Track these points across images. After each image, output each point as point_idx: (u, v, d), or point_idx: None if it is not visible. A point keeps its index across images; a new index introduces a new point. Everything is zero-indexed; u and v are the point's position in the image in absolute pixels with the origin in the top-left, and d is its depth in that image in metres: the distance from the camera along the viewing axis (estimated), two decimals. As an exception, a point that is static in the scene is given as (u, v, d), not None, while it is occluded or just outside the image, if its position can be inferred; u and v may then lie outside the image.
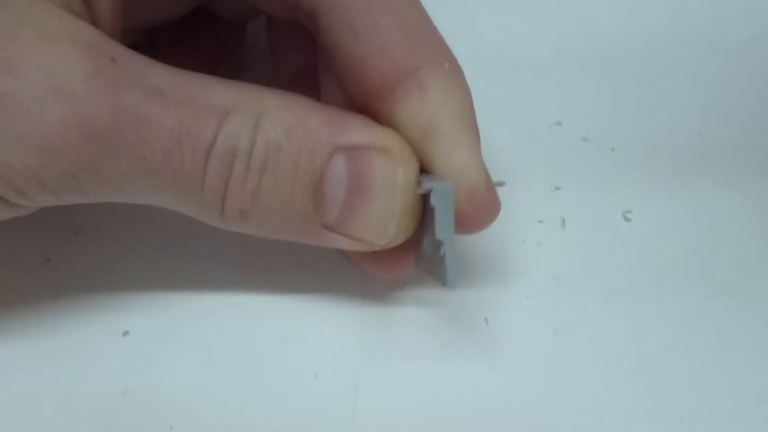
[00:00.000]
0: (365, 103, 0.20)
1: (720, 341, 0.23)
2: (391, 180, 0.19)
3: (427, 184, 0.19)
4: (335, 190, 0.19)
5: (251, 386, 0.22)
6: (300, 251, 0.25)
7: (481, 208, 0.20)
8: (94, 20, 0.19)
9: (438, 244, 0.19)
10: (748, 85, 0.29)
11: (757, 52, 0.30)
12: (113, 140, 0.17)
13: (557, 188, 0.26)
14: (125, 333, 0.23)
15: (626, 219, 0.25)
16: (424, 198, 0.19)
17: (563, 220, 0.25)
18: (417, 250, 0.21)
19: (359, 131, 0.19)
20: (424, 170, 0.20)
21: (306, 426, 0.21)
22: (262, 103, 0.19)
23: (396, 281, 0.23)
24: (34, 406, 0.21)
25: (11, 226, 0.25)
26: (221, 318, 0.23)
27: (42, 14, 0.17)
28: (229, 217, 0.19)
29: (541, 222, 0.25)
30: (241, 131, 0.18)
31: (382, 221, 0.19)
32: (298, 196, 0.19)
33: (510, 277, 0.24)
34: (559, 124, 0.28)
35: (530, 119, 0.28)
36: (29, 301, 0.23)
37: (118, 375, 0.22)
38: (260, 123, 0.18)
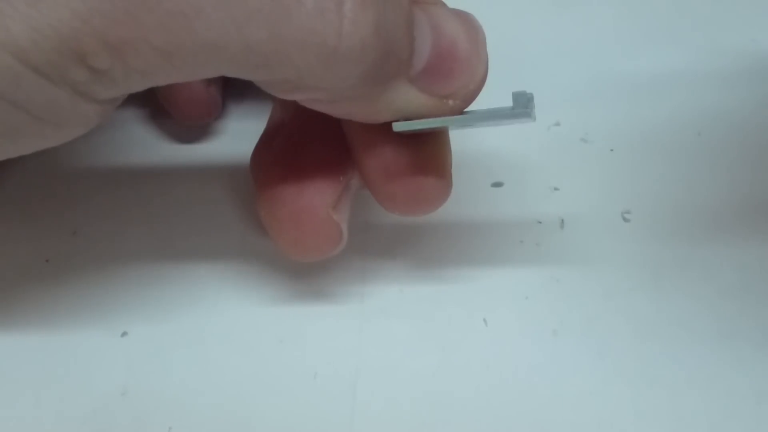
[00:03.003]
0: None
1: (719, 341, 0.23)
2: (469, 24, 0.18)
3: None
4: (422, 35, 0.18)
5: (250, 387, 0.22)
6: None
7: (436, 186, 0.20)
8: None
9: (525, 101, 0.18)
10: (747, 85, 0.29)
11: (757, 53, 0.30)
12: None
13: (556, 189, 0.26)
14: (124, 333, 0.23)
15: (625, 219, 0.25)
16: None
17: (562, 221, 0.25)
18: None
19: None
20: None
21: (305, 426, 0.21)
22: None
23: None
24: (32, 407, 0.21)
25: (10, 226, 0.25)
26: (220, 318, 0.23)
27: None
28: (345, 50, 0.16)
29: (540, 222, 0.25)
30: None
31: (473, 63, 0.18)
32: (402, 35, 0.17)
33: (509, 277, 0.24)
34: (557, 124, 0.28)
35: (529, 119, 0.28)
36: (28, 301, 0.23)
37: (117, 375, 0.22)
38: None
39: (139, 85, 0.16)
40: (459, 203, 0.25)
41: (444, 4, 0.19)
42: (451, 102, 0.19)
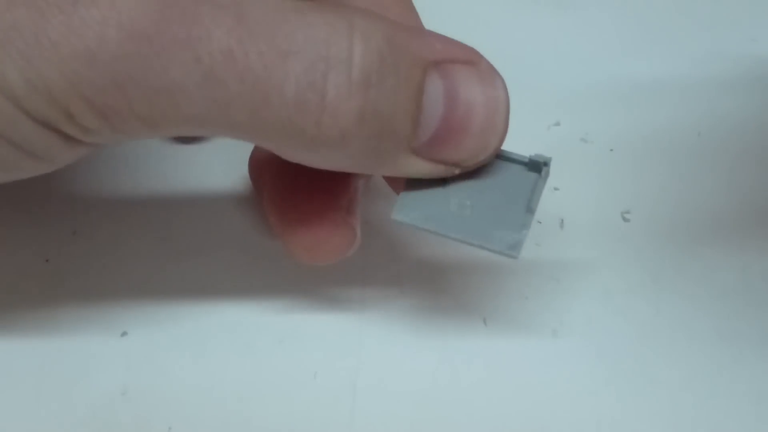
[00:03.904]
0: None
1: (719, 342, 0.23)
2: (492, 92, 0.17)
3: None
4: (433, 109, 0.17)
5: (250, 387, 0.22)
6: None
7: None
8: None
9: (511, 206, 0.18)
10: (747, 86, 0.29)
11: (757, 53, 0.30)
12: (160, 39, 0.15)
13: (556, 189, 0.26)
14: (124, 333, 0.23)
15: (625, 219, 0.25)
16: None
17: (562, 221, 0.25)
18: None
19: (445, 44, 0.17)
20: None
21: (305, 427, 0.21)
22: (344, 6, 0.16)
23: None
24: (32, 407, 0.21)
25: (10, 226, 0.25)
26: (220, 318, 0.23)
27: None
28: (325, 139, 0.16)
29: (540, 222, 0.25)
30: (334, 33, 0.15)
31: (485, 135, 0.17)
32: (401, 115, 0.16)
33: (508, 277, 0.24)
34: (557, 124, 0.28)
35: (529, 119, 0.27)
36: (28, 301, 0.23)
37: (117, 375, 0.22)
38: (354, 26, 0.16)
39: (127, 140, 0.17)
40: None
41: (476, 65, 0.18)
42: (458, 170, 0.18)
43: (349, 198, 0.21)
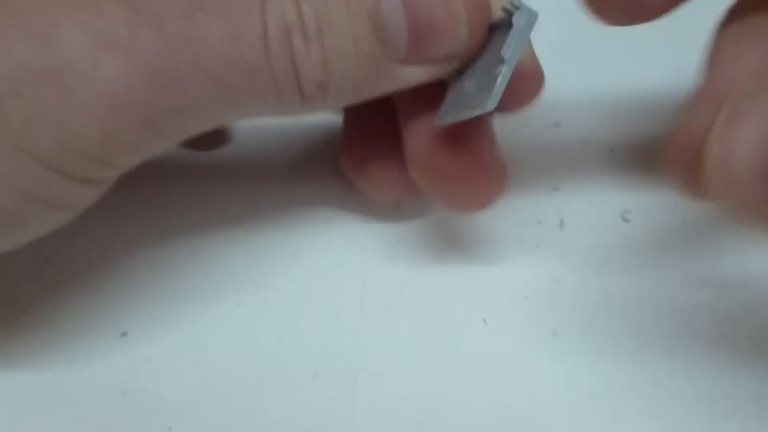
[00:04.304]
0: None
1: (719, 341, 0.23)
2: None
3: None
4: (395, 20, 0.18)
5: (250, 387, 0.22)
6: (299, 251, 0.25)
7: (528, 76, 0.20)
8: None
9: (496, 64, 0.18)
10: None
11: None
12: (175, 70, 0.17)
13: (556, 189, 0.26)
14: (124, 334, 0.23)
15: (625, 220, 0.25)
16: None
17: (562, 221, 0.25)
18: (447, 98, 0.20)
19: None
20: None
21: (305, 426, 0.21)
22: None
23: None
24: (32, 407, 0.21)
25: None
26: (220, 319, 0.23)
27: None
28: (310, 96, 0.18)
29: (540, 223, 0.25)
30: (283, 4, 0.17)
31: (452, 28, 0.18)
32: (363, 43, 0.18)
33: (508, 277, 0.24)
34: (558, 124, 0.28)
35: (529, 120, 0.28)
36: (28, 301, 0.23)
37: (117, 376, 0.22)
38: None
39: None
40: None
41: None
42: (456, 62, 0.19)
43: (489, 136, 0.22)
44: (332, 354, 0.22)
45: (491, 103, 0.18)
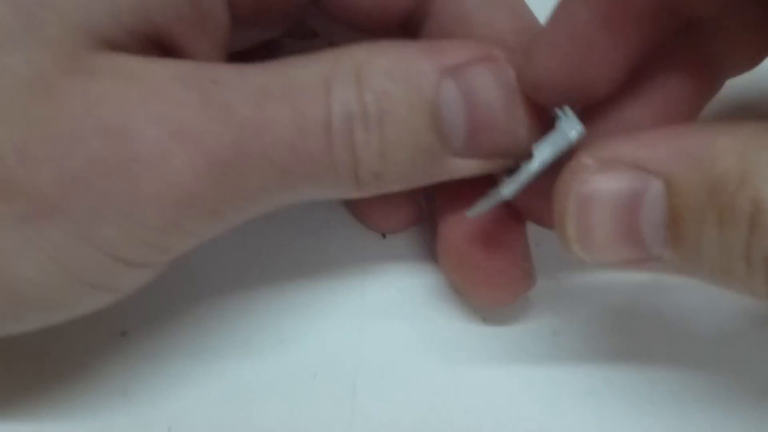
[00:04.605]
0: None
1: (719, 341, 0.23)
2: (506, 82, 0.18)
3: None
4: (454, 115, 0.18)
5: (250, 387, 0.22)
6: (299, 251, 0.25)
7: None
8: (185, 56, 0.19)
9: (527, 157, 0.19)
10: (748, 86, 0.29)
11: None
12: (241, 160, 0.17)
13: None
14: (124, 333, 0.23)
15: (625, 219, 0.25)
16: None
17: (562, 221, 0.25)
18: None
19: (456, 50, 0.18)
20: None
21: (305, 426, 0.21)
22: (354, 58, 0.18)
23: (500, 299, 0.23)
24: (32, 407, 0.21)
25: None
26: (220, 319, 0.23)
27: (135, 67, 0.17)
28: (366, 184, 0.19)
29: (540, 222, 0.25)
30: (347, 93, 0.18)
31: (510, 128, 0.19)
32: (421, 135, 0.18)
33: (509, 277, 0.24)
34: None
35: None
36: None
37: (117, 376, 0.22)
38: (361, 77, 0.18)
39: None
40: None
41: (494, 59, 0.19)
42: (503, 161, 0.19)
43: (524, 245, 0.22)
44: (332, 354, 0.22)
45: (508, 192, 0.18)
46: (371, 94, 0.18)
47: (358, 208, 0.25)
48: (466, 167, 0.19)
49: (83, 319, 0.23)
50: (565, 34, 0.17)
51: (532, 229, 0.25)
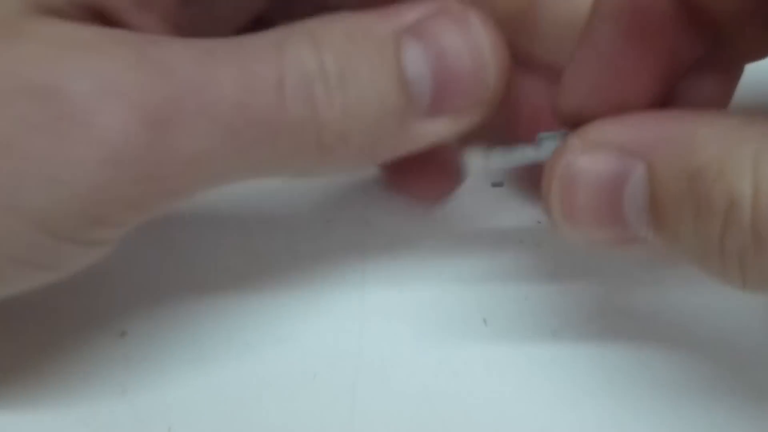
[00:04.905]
0: None
1: (719, 341, 0.23)
2: (467, 30, 0.18)
3: None
4: (420, 73, 0.18)
5: (249, 387, 0.22)
6: (299, 251, 0.25)
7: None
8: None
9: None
10: (747, 85, 0.29)
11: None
12: (179, 118, 0.16)
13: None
14: (123, 333, 0.23)
15: (625, 219, 0.25)
16: None
17: (562, 221, 0.25)
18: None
19: (412, 8, 0.18)
20: None
21: (305, 426, 0.21)
22: (309, 27, 0.17)
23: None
24: (32, 407, 0.21)
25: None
26: (219, 319, 0.23)
27: (68, 29, 0.16)
28: (329, 148, 0.17)
29: (540, 222, 0.25)
30: (303, 53, 0.17)
31: (478, 74, 0.18)
32: (386, 94, 0.17)
33: (509, 277, 0.24)
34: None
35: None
36: (27, 302, 0.23)
37: (117, 376, 0.22)
38: (317, 38, 0.17)
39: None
40: (459, 203, 0.25)
41: (447, 11, 0.18)
42: (472, 117, 0.19)
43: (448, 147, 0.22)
44: (332, 354, 0.22)
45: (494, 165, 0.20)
46: (330, 55, 0.17)
47: (395, 176, 0.24)
48: (434, 130, 0.18)
49: (83, 319, 0.23)
50: (593, 58, 0.17)
51: (533, 229, 0.25)
